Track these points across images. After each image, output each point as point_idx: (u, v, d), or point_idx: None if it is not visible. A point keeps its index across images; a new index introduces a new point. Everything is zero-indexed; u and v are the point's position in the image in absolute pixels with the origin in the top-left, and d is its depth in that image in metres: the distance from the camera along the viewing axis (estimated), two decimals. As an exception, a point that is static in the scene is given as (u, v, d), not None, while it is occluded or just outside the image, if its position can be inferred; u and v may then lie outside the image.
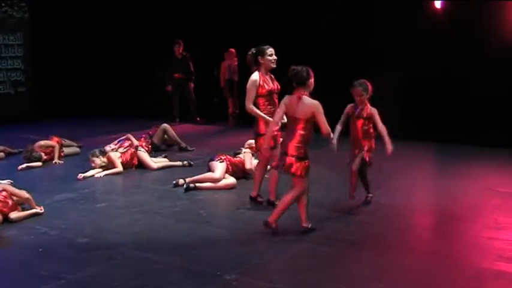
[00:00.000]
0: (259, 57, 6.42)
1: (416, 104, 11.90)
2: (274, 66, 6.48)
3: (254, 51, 6.49)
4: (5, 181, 7.10)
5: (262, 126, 6.48)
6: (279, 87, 6.55)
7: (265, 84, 6.42)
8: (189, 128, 13.01)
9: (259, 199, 6.77)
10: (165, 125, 10.14)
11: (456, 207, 6.74)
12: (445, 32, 11.54)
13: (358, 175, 6.65)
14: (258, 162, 6.94)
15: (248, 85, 6.43)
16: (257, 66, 6.47)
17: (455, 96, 11.55)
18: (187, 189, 7.36)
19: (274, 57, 6.44)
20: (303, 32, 12.55)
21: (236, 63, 14.90)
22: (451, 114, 11.57)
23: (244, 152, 8.29)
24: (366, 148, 6.50)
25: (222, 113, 14.93)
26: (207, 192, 7.34)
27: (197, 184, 7.45)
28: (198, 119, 13.88)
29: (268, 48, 6.43)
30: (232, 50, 15.01)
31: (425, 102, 11.80)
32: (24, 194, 6.38)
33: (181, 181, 7.59)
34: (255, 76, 6.44)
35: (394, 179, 8.16)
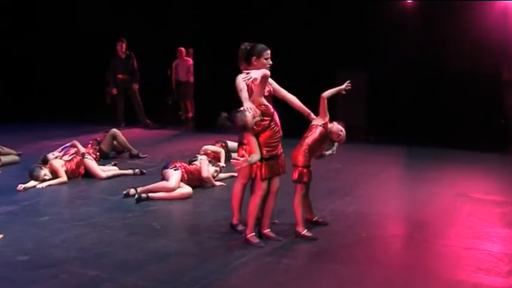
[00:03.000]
0: (254, 58, 5.83)
1: (383, 106, 12.10)
2: (268, 68, 5.83)
3: (248, 48, 5.90)
4: None
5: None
6: (271, 90, 5.96)
7: (253, 87, 5.74)
8: (140, 133, 12.94)
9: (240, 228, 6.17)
10: (114, 130, 10.05)
11: (428, 215, 6.81)
12: (414, 31, 11.77)
13: None
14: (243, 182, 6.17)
15: (238, 86, 5.68)
16: (247, 66, 5.89)
17: (425, 96, 11.81)
18: (139, 199, 7.30)
19: (270, 62, 5.86)
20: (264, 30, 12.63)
21: (191, 62, 14.91)
22: (420, 115, 11.81)
23: (201, 159, 8.28)
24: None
25: (176, 117, 14.90)
26: (160, 203, 7.28)
27: (150, 194, 7.40)
28: (148, 121, 13.81)
29: (266, 50, 5.82)
30: (182, 48, 15.05)
31: (394, 104, 12.02)
32: None
33: (132, 191, 7.53)
34: (244, 75, 5.70)
35: (360, 186, 8.24)
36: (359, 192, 7.91)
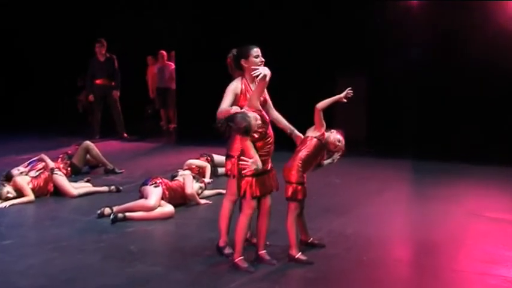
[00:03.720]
0: (242, 60, 5.87)
1: (386, 114, 12.15)
2: (255, 75, 5.71)
3: (235, 53, 5.96)
4: None
5: (236, 147, 5.83)
6: (266, 99, 6.03)
7: (248, 94, 5.83)
8: (117, 145, 12.91)
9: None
10: (87, 142, 10.03)
11: (436, 236, 6.80)
12: (420, 33, 11.85)
13: None
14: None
15: (225, 91, 5.85)
16: (240, 71, 5.94)
17: (432, 104, 11.85)
18: (115, 219, 7.28)
19: (262, 59, 5.85)
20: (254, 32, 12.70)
21: (173, 67, 14.95)
22: (426, 125, 11.83)
23: (184, 175, 8.28)
24: None
25: (157, 127, 14.90)
26: (139, 224, 7.26)
27: (127, 213, 7.37)
28: (125, 135, 13.79)
29: (253, 48, 5.87)
30: (164, 52, 15.11)
31: (397, 112, 12.07)
32: None
33: (107, 210, 7.51)
34: (235, 82, 5.88)
35: (361, 204, 8.24)
36: (359, 211, 7.91)
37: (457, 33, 11.49)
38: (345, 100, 6.06)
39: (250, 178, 5.59)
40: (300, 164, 5.90)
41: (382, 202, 8.42)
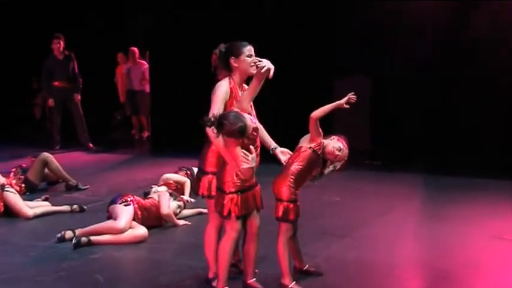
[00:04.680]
0: (232, 59, 5.81)
1: (393, 121, 12.18)
2: (253, 70, 5.76)
3: (223, 50, 5.89)
4: None
5: (210, 160, 5.89)
6: (251, 104, 5.86)
7: (237, 97, 5.79)
8: (81, 157, 12.91)
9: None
10: (45, 154, 10.01)
11: (453, 264, 6.80)
12: (432, 32, 11.92)
13: None
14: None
15: (215, 93, 5.78)
16: (228, 71, 5.89)
17: (446, 111, 11.87)
18: (78, 244, 7.24)
19: (256, 59, 5.74)
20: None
21: (146, 67, 14.96)
22: (440, 134, 11.85)
23: (159, 191, 8.29)
24: None
25: (128, 136, 14.88)
26: (106, 249, 7.23)
27: (92, 237, 7.35)
28: (91, 145, 13.77)
29: (245, 45, 5.83)
30: (135, 49, 15.11)
31: (406, 119, 12.10)
32: None
33: (69, 234, 7.46)
34: (224, 83, 5.81)
35: (364, 225, 8.24)
36: (362, 233, 7.91)
37: (471, 32, 11.54)
38: (347, 106, 5.98)
39: (234, 195, 5.55)
40: (291, 179, 5.86)
41: (389, 223, 8.43)
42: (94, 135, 13.99)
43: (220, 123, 5.28)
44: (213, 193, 5.75)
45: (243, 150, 5.37)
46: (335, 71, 12.12)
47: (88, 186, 10.19)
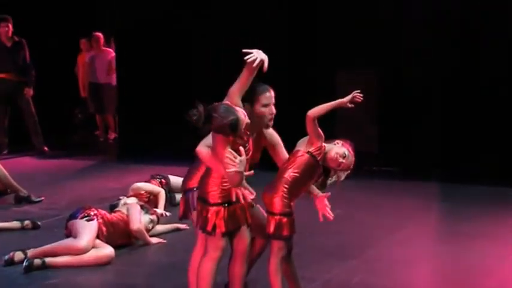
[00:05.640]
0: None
1: (404, 121, 12.18)
2: (271, 125, 5.91)
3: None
4: None
5: (195, 179, 5.94)
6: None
7: None
8: (33, 164, 12.88)
9: None
10: (-11, 161, 9.99)
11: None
12: (454, 22, 11.97)
13: None
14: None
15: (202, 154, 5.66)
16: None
17: (465, 108, 11.86)
18: (30, 267, 7.18)
19: (273, 109, 5.81)
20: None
21: (113, 55, 14.92)
22: (460, 137, 11.85)
23: (128, 204, 8.31)
24: None
25: (91, 138, 14.84)
26: (65, 272, 7.19)
27: (48, 259, 7.30)
28: (45, 148, 13.72)
29: (264, 90, 5.80)
30: (100, 34, 15.04)
31: (419, 118, 12.10)
32: None
33: (19, 255, 7.41)
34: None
35: (372, 244, 8.24)
36: (369, 253, 7.90)
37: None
38: (351, 105, 5.93)
39: (220, 207, 5.54)
40: (285, 189, 5.82)
41: (401, 241, 8.42)
42: (50, 136, 13.94)
43: (209, 116, 5.23)
44: (195, 206, 5.76)
45: (231, 151, 5.29)
46: (336, 62, 12.07)
47: (42, 198, 10.15)
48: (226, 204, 5.55)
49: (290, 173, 5.83)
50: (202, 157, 5.57)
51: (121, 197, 8.70)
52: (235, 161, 5.22)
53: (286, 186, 5.81)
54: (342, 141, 5.99)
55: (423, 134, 12.07)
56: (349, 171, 6.04)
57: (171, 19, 12.76)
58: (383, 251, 8.04)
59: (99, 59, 15.35)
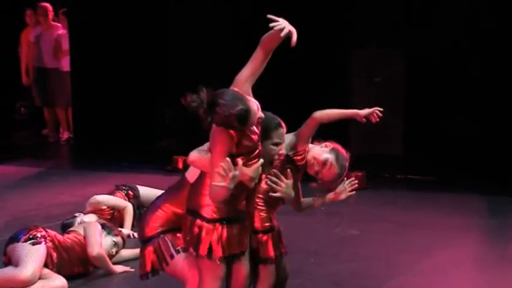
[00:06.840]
0: None
1: (437, 117, 12.19)
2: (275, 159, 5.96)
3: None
4: None
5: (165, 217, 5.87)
6: None
7: None
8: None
9: None
10: None
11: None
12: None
13: None
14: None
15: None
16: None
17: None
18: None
19: (282, 149, 5.87)
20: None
21: (60, 32, 14.87)
22: (506, 133, 11.88)
23: (85, 222, 8.29)
24: None
25: (38, 139, 14.86)
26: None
27: (-18, 293, 7.27)
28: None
29: (277, 128, 5.82)
30: (47, 5, 14.97)
31: (456, 112, 12.09)
32: None
33: None
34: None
35: (397, 272, 8.16)
36: (392, 285, 7.84)
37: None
38: (363, 120, 6.05)
39: (218, 224, 5.47)
40: (260, 200, 5.85)
41: (433, 270, 8.33)
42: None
43: (213, 102, 5.12)
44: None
45: (228, 160, 5.17)
46: (353, 40, 12.00)
47: (-23, 216, 10.10)
48: (224, 222, 5.48)
49: (264, 182, 5.84)
50: (194, 161, 5.56)
51: (77, 214, 8.67)
52: (228, 175, 5.12)
53: (260, 196, 5.84)
54: (332, 145, 6.04)
55: (459, 134, 12.02)
56: (327, 183, 6.11)
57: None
58: (409, 282, 7.97)
59: (46, 37, 15.19)
